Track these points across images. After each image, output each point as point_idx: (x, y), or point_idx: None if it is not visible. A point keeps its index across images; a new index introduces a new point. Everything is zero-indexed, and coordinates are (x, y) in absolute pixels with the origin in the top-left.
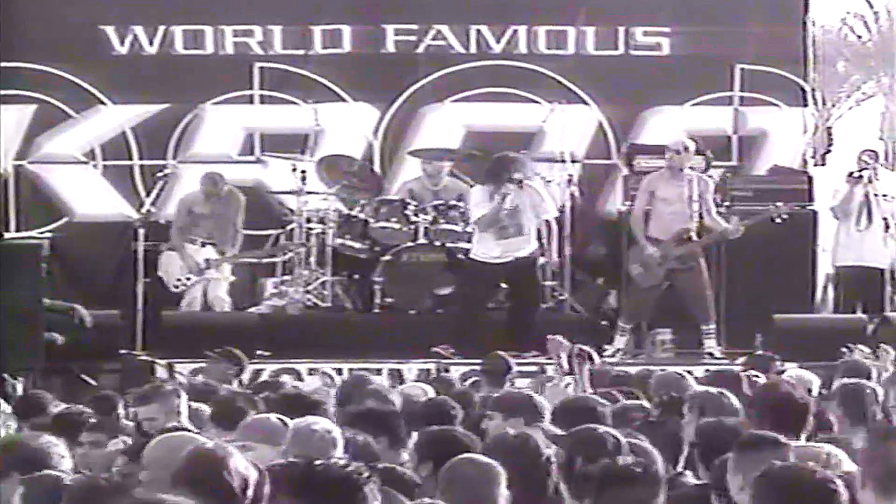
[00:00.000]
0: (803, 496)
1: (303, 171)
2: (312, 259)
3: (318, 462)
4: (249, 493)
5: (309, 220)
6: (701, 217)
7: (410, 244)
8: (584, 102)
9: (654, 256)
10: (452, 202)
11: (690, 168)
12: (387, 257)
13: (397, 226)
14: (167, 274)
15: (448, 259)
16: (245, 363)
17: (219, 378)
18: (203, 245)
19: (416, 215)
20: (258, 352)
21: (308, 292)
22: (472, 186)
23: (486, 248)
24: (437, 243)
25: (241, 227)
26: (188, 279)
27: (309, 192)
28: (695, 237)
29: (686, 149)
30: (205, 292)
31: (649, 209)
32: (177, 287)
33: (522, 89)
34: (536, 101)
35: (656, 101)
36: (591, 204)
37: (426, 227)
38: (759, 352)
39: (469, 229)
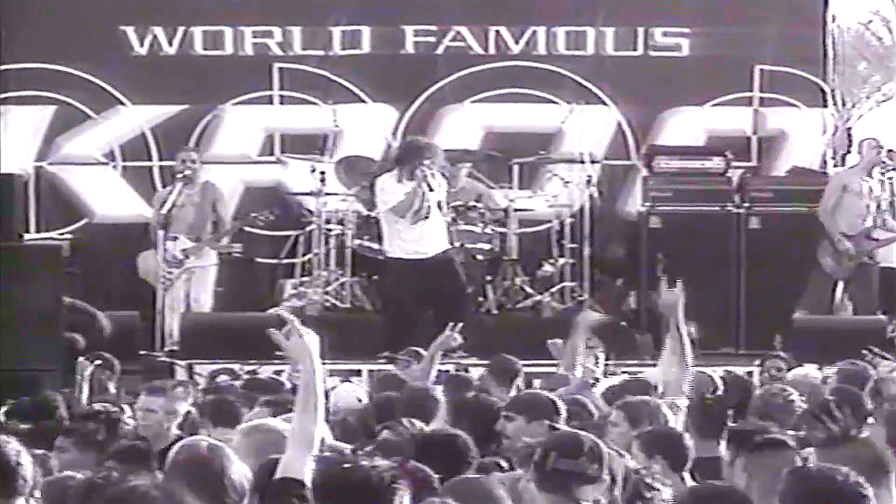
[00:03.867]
0: (833, 497)
1: (322, 173)
2: (332, 260)
3: (348, 464)
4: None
5: (328, 222)
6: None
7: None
8: (604, 103)
9: (850, 251)
10: (471, 203)
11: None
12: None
13: None
14: (149, 274)
15: (467, 260)
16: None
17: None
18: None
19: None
20: (277, 353)
21: (327, 293)
22: (491, 188)
23: (404, 242)
24: (457, 244)
25: (227, 218)
26: (170, 273)
27: (328, 194)
28: (882, 234)
29: (881, 147)
30: (188, 293)
31: (838, 204)
32: (165, 285)
33: (541, 90)
34: (555, 102)
35: (676, 102)
36: (610, 205)
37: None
38: (776, 353)
39: (475, 228)
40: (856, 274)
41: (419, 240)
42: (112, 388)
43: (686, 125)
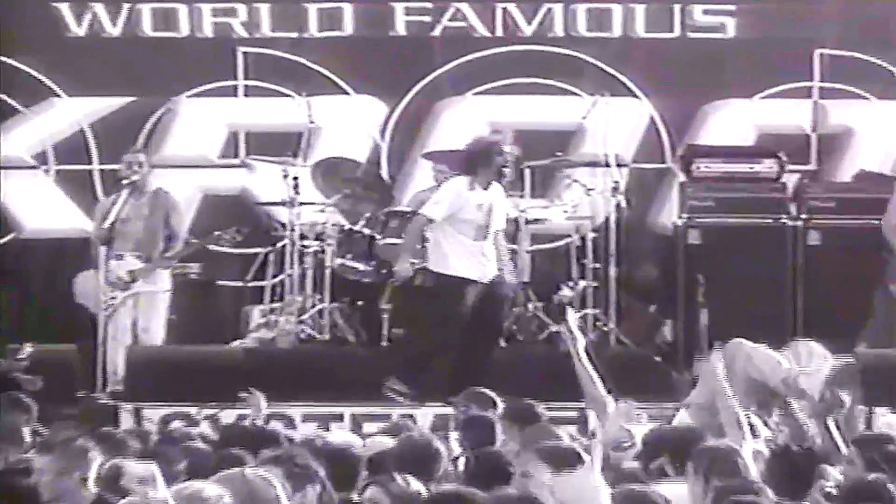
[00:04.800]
0: None
1: (296, 178)
2: (308, 283)
3: None
4: None
5: (303, 237)
6: None
7: (425, 264)
8: (633, 95)
9: None
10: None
11: None
12: (395, 281)
13: None
14: (88, 298)
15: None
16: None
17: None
18: (121, 258)
19: (432, 230)
20: (242, 394)
21: (302, 322)
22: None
23: (459, 259)
24: None
25: (182, 233)
26: (113, 298)
27: (303, 203)
28: None
29: None
30: (135, 321)
31: None
32: (107, 312)
33: (559, 79)
34: (576, 94)
35: (720, 94)
36: (640, 217)
37: None
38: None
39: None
40: None
41: (478, 260)
42: (27, 437)
43: (732, 121)
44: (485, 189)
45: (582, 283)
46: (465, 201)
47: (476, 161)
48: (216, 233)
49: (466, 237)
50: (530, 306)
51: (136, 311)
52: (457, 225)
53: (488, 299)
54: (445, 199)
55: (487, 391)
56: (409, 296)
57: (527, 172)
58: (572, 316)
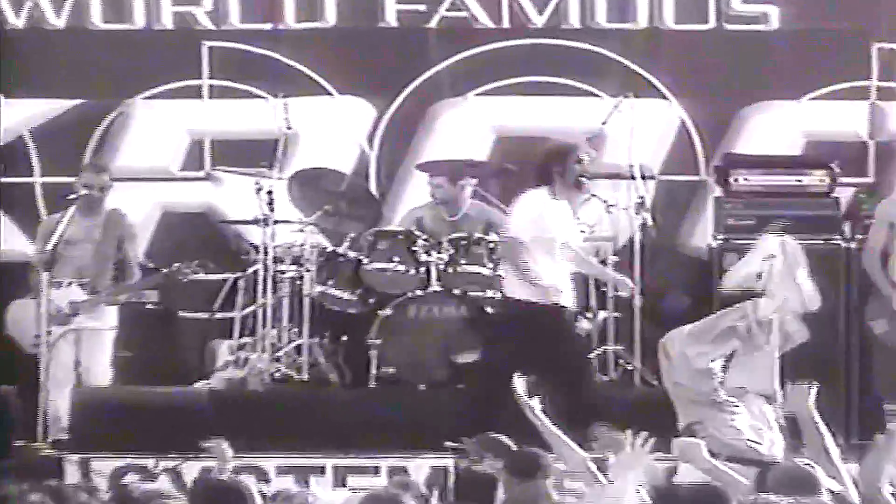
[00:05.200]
0: None
1: (270, 193)
2: (283, 314)
3: None
4: None
5: (278, 261)
6: None
7: (419, 293)
8: (661, 96)
9: None
10: (478, 235)
11: None
12: (386, 311)
13: (401, 268)
14: (20, 330)
15: (472, 314)
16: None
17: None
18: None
19: (427, 253)
20: (207, 443)
21: (278, 360)
22: (505, 213)
23: (538, 284)
24: (457, 292)
25: (134, 260)
26: (49, 333)
27: (278, 222)
28: None
29: None
30: (77, 359)
31: (887, 245)
32: (42, 348)
33: (574, 78)
34: (594, 95)
35: (761, 94)
36: (670, 237)
37: (441, 270)
38: None
39: (482, 270)
40: None
41: (559, 282)
42: None
43: (776, 126)
44: (569, 202)
45: (602, 315)
46: (549, 216)
47: (551, 169)
48: (175, 265)
49: (551, 257)
50: None
51: (79, 347)
52: (541, 244)
53: (572, 329)
54: (527, 217)
55: (503, 438)
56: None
57: None
58: (520, 385)
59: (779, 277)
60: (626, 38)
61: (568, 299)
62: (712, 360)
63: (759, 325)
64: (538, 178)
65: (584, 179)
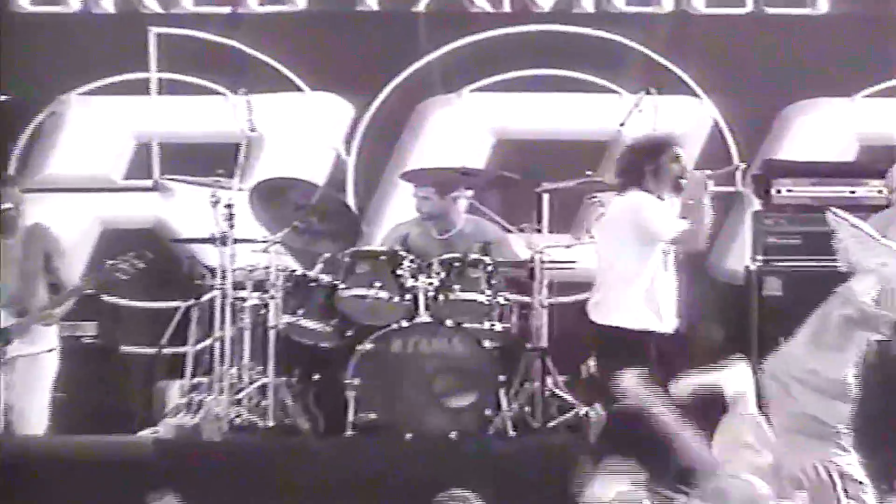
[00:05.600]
0: None
1: (229, 206)
2: (245, 349)
3: None
4: None
5: (239, 286)
6: None
7: (405, 325)
8: (691, 93)
9: None
10: (473, 256)
11: None
12: (366, 346)
13: (383, 294)
14: None
15: (467, 348)
16: None
17: None
18: None
19: (414, 277)
20: (153, 501)
21: (238, 403)
22: (506, 230)
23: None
24: (450, 323)
25: (69, 281)
26: None
27: (239, 240)
28: None
29: None
30: (6, 403)
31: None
32: None
33: (587, 72)
34: (611, 91)
35: (808, 91)
36: (700, 259)
37: (431, 298)
38: None
39: (479, 297)
40: None
41: (668, 300)
42: None
43: (825, 127)
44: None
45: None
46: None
47: (643, 168)
48: (108, 263)
49: (656, 268)
50: (549, 381)
51: (10, 386)
52: (649, 254)
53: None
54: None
55: (469, 495)
56: (384, 369)
57: (545, 198)
58: (631, 378)
59: (857, 249)
60: (649, 25)
61: (662, 322)
62: (848, 366)
63: (869, 306)
64: (626, 179)
65: (684, 181)
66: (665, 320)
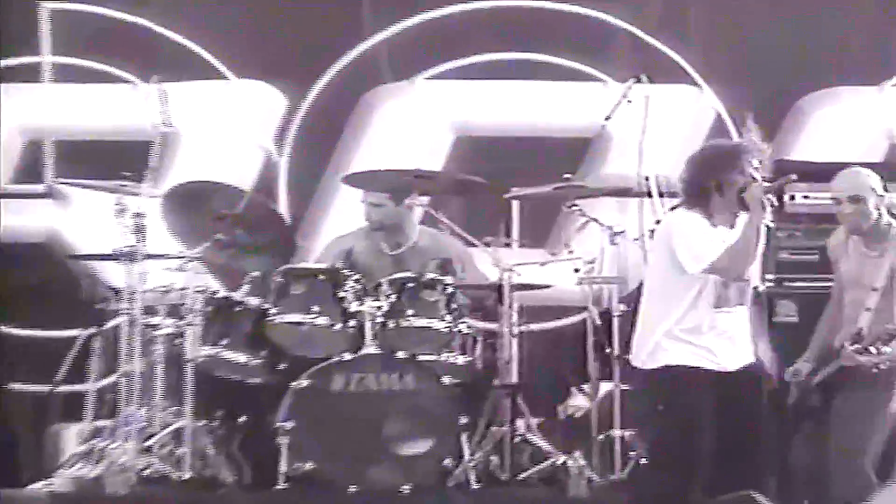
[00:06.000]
0: None
1: (138, 215)
2: (157, 385)
3: None
4: None
5: (150, 311)
6: None
7: (348, 357)
8: (690, 81)
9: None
10: (430, 275)
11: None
12: (302, 383)
13: (322, 321)
14: None
15: (422, 385)
16: None
17: None
18: None
19: (359, 301)
20: None
21: (148, 451)
22: (470, 245)
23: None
24: (402, 355)
25: None
26: None
27: (151, 256)
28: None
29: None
30: None
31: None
32: None
33: (566, 56)
34: (595, 79)
35: (827, 79)
36: None
37: (380, 325)
38: None
39: (436, 324)
40: None
41: (725, 336)
42: None
43: (847, 122)
44: (731, 227)
45: (604, 387)
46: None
47: (712, 184)
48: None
49: (704, 302)
50: (520, 424)
51: None
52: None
53: (734, 400)
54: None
55: None
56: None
57: (515, 206)
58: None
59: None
60: (639, 1)
61: (714, 360)
62: None
63: None
64: (687, 197)
65: (768, 200)
66: (724, 357)
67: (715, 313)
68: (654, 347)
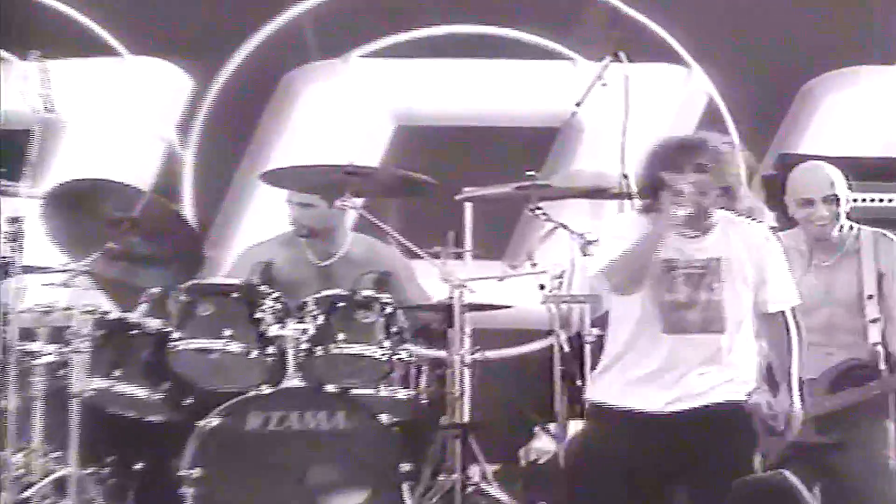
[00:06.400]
0: None
1: (16, 220)
2: (36, 425)
3: None
4: None
5: (27, 336)
6: None
7: (267, 390)
8: (677, 59)
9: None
10: (366, 292)
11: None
12: (212, 421)
13: (235, 348)
14: None
15: (356, 425)
16: None
17: None
18: None
19: (279, 323)
20: None
21: (26, 503)
22: (415, 257)
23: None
24: (331, 389)
25: None
26: None
27: (29, 269)
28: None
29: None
30: None
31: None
32: None
33: (529, 30)
34: (563, 57)
35: (835, 59)
36: None
37: (305, 352)
38: None
39: (373, 352)
40: None
41: (666, 371)
42: None
43: (859, 108)
44: (701, 233)
45: (574, 426)
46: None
47: (657, 183)
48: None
49: (650, 327)
50: (474, 471)
51: None
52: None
53: (713, 443)
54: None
55: None
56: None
57: (467, 210)
58: None
59: None
60: None
61: (651, 401)
62: None
63: None
64: (640, 195)
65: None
66: (676, 395)
67: (671, 340)
68: (604, 381)
